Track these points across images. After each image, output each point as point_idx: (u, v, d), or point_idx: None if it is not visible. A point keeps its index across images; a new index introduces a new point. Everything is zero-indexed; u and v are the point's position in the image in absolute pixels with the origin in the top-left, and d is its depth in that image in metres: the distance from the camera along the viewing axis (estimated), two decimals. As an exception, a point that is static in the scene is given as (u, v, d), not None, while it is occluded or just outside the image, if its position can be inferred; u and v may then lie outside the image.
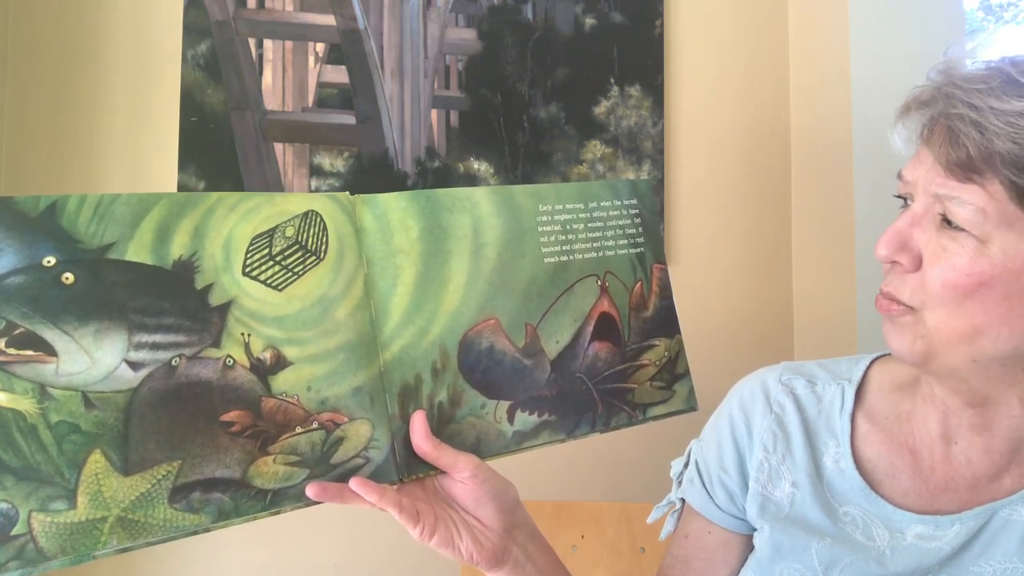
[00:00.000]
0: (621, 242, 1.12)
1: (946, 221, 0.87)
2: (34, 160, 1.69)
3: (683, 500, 1.19)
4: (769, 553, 1.05)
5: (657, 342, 1.14)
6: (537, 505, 1.55)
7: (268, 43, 1.76)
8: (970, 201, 0.83)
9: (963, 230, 0.85)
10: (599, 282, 1.09)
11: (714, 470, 1.14)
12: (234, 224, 0.88)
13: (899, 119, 0.95)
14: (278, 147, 1.75)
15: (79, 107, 1.71)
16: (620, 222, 1.12)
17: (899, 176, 0.94)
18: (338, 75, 1.78)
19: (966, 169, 0.83)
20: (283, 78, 1.76)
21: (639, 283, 1.13)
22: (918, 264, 0.89)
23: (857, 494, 1.02)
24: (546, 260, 1.06)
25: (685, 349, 1.17)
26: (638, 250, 1.13)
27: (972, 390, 0.94)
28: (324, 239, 0.92)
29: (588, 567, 1.57)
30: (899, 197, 0.95)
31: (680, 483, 1.20)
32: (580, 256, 1.08)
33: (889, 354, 1.10)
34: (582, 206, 1.10)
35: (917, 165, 0.91)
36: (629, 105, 1.88)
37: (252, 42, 1.75)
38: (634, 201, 1.14)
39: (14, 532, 0.76)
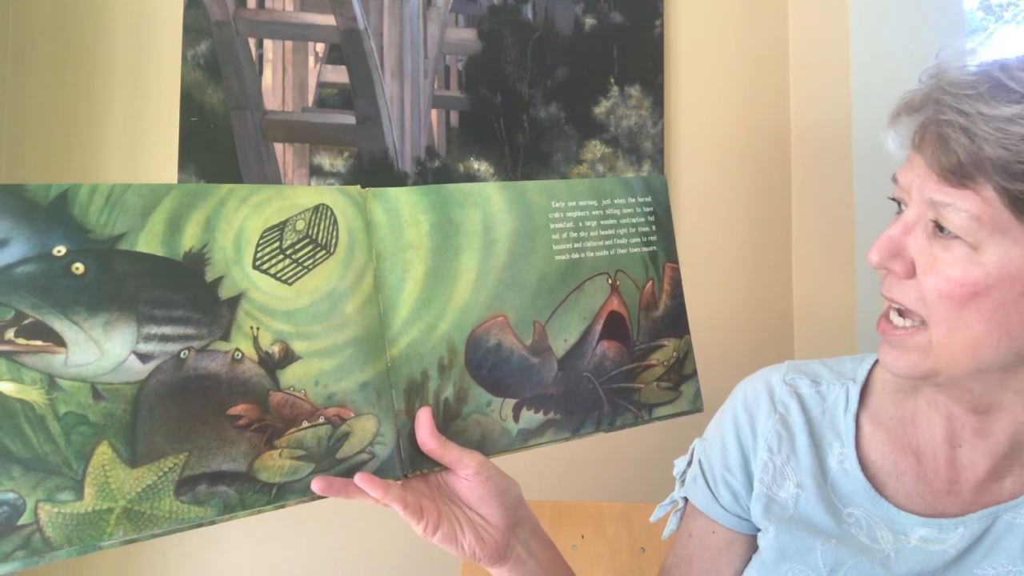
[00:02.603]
0: (634, 240, 1.11)
1: (938, 228, 0.87)
2: (34, 160, 1.69)
3: (686, 499, 1.19)
4: (774, 554, 1.05)
5: (666, 342, 1.13)
6: (538, 505, 1.55)
7: (268, 43, 1.76)
8: (964, 208, 0.83)
9: (956, 238, 0.85)
10: (610, 280, 1.09)
11: (718, 470, 1.14)
12: (245, 217, 0.87)
13: (891, 124, 0.95)
14: (278, 147, 1.75)
15: (79, 107, 1.71)
16: (634, 220, 1.11)
17: (893, 179, 0.94)
18: (338, 75, 1.78)
19: (959, 175, 0.83)
20: (283, 78, 1.76)
21: (650, 282, 1.12)
22: (911, 272, 0.89)
23: (861, 496, 1.03)
24: (557, 257, 1.05)
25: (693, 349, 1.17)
26: (651, 248, 1.12)
27: (975, 398, 0.94)
28: (334, 233, 0.92)
29: (588, 567, 1.57)
30: (893, 200, 0.95)
31: (683, 482, 1.20)
32: (592, 254, 1.08)
33: None
34: (595, 203, 1.09)
35: (910, 170, 0.91)
36: (629, 105, 1.88)
37: (252, 42, 1.75)
38: (648, 199, 1.13)
39: (21, 522, 0.76)
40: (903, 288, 0.91)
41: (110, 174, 1.71)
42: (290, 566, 1.77)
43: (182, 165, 1.71)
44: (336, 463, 0.91)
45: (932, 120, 0.87)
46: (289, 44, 1.77)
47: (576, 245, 1.07)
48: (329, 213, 0.92)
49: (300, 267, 0.90)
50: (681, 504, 1.20)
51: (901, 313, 0.93)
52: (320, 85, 1.78)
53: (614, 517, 1.58)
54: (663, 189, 1.16)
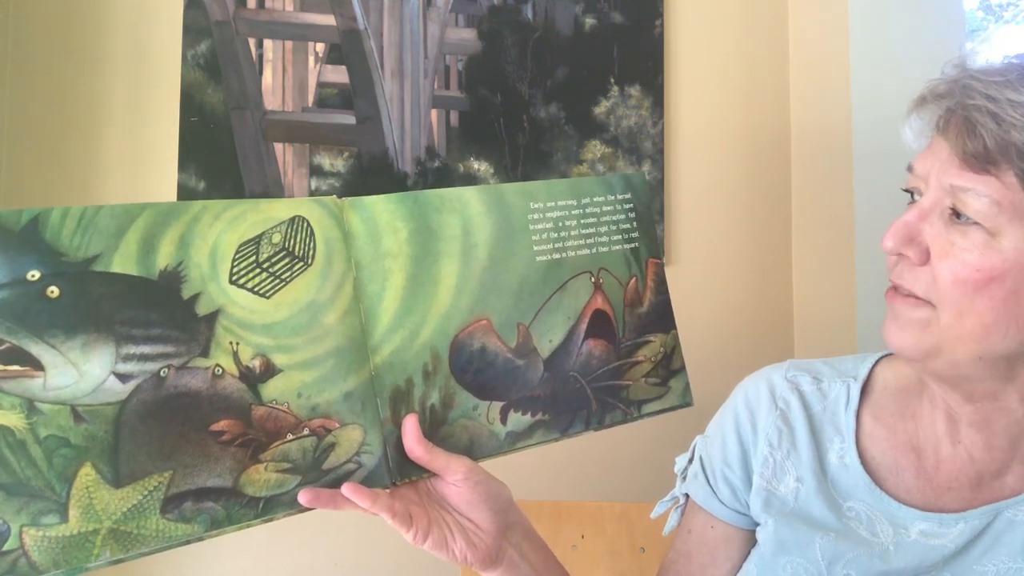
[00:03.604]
0: (615, 237, 1.11)
1: (955, 215, 0.87)
2: (34, 160, 1.70)
3: (687, 496, 1.20)
4: (773, 548, 1.05)
5: (652, 338, 1.13)
6: (537, 505, 1.56)
7: (268, 43, 1.76)
8: (985, 193, 0.84)
9: (973, 224, 0.86)
10: (593, 279, 1.09)
11: (718, 465, 1.15)
12: (220, 232, 0.87)
13: (913, 110, 0.95)
14: (278, 147, 1.75)
15: (79, 107, 1.72)
16: (614, 217, 1.11)
17: (909, 168, 0.95)
18: (338, 75, 1.78)
19: (982, 160, 0.84)
20: (283, 78, 1.76)
21: (634, 279, 1.12)
22: (925, 258, 0.90)
23: (862, 490, 1.03)
24: (538, 259, 1.05)
25: (681, 345, 1.16)
26: (632, 245, 1.12)
27: (972, 386, 0.94)
28: (311, 244, 0.92)
29: (588, 567, 1.57)
30: (907, 191, 0.96)
31: (684, 479, 1.21)
32: (573, 253, 1.07)
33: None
34: (574, 202, 1.09)
35: (930, 156, 0.91)
36: (629, 105, 1.88)
37: (252, 42, 1.76)
38: (628, 195, 1.13)
39: (6, 547, 0.76)
40: (915, 274, 0.91)
41: (110, 174, 1.72)
42: (290, 566, 1.78)
43: (182, 165, 1.71)
44: (323, 474, 0.91)
45: (959, 105, 0.87)
46: (289, 44, 1.77)
47: (557, 245, 1.07)
48: (305, 225, 0.92)
49: (278, 280, 0.89)
50: (682, 500, 1.21)
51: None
52: (320, 85, 1.78)
53: (614, 517, 1.58)
54: (642, 185, 1.15)
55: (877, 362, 1.12)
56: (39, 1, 1.71)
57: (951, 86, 0.90)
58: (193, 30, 1.73)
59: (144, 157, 1.74)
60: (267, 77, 1.76)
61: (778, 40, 2.00)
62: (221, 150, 1.74)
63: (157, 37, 1.75)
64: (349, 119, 1.78)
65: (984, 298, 0.86)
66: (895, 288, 0.95)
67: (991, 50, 0.92)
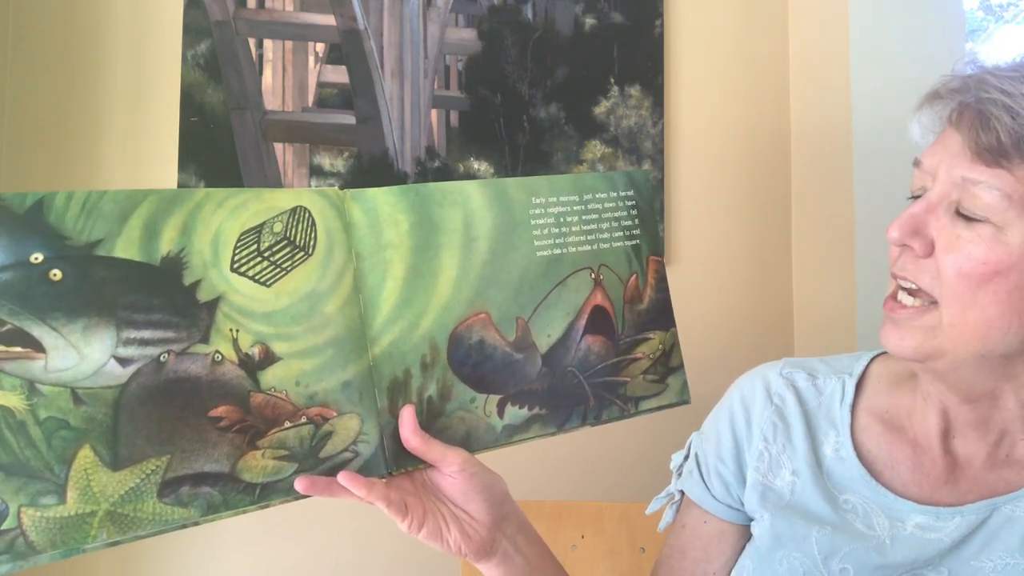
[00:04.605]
0: (616, 234, 1.11)
1: (962, 211, 0.88)
2: (34, 160, 1.70)
3: (682, 492, 1.20)
4: (769, 542, 1.05)
5: (651, 335, 1.13)
6: (537, 505, 1.55)
7: (268, 43, 1.76)
8: (997, 186, 0.84)
9: (981, 219, 0.86)
10: (593, 275, 1.09)
11: (711, 461, 1.15)
12: (222, 220, 0.87)
13: (925, 105, 0.96)
14: (278, 147, 1.76)
15: (79, 107, 1.72)
16: (616, 214, 1.11)
17: (916, 163, 0.95)
18: (338, 75, 1.79)
19: (995, 154, 0.84)
20: (283, 78, 1.77)
21: (634, 275, 1.12)
22: (930, 250, 0.90)
23: (858, 482, 1.03)
24: (539, 253, 1.05)
25: (680, 343, 1.17)
26: (634, 242, 1.12)
27: (970, 386, 0.94)
28: (312, 234, 0.92)
29: (588, 567, 1.57)
30: (912, 197, 0.96)
31: (680, 475, 1.21)
32: (574, 249, 1.08)
33: None
34: (576, 198, 1.09)
35: (940, 150, 0.92)
36: (629, 105, 1.88)
37: (252, 42, 1.76)
38: (631, 192, 1.13)
39: (4, 527, 0.76)
40: (918, 267, 0.91)
41: (110, 174, 1.72)
42: (290, 566, 1.78)
43: (182, 165, 1.72)
44: (320, 462, 0.91)
45: (974, 98, 0.88)
46: (289, 44, 1.77)
47: (558, 241, 1.07)
48: (307, 215, 0.92)
49: (278, 269, 0.90)
50: (677, 497, 1.21)
51: (911, 293, 0.93)
52: (320, 85, 1.78)
53: (614, 517, 1.58)
54: (646, 183, 1.16)
55: (873, 359, 1.13)
56: (39, 1, 1.72)
57: (965, 81, 0.90)
58: (193, 30, 1.74)
59: (144, 157, 1.74)
60: (267, 77, 1.76)
61: (778, 40, 2.00)
62: (221, 150, 1.74)
63: (157, 37, 1.75)
64: (349, 119, 1.79)
65: (988, 292, 0.86)
66: (894, 297, 0.95)
67: (992, 50, 0.92)
